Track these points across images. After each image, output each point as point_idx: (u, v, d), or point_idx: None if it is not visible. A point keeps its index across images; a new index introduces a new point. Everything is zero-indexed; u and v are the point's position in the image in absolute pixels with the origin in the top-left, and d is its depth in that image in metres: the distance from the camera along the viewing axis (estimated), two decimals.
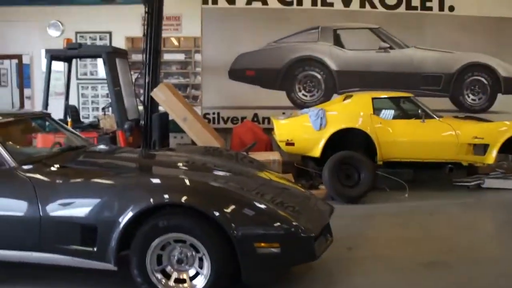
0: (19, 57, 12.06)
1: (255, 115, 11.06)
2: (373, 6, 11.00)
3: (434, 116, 8.61)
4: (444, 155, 8.49)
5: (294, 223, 4.19)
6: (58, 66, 9.83)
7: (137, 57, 10.97)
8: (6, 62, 12.80)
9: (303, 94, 11.04)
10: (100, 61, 10.10)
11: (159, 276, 4.26)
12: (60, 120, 7.91)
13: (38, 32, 11.67)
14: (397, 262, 5.42)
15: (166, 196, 4.22)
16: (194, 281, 4.23)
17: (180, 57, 11.92)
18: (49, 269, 4.60)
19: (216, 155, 6.03)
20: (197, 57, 11.63)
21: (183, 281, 4.26)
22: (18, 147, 5.75)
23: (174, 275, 4.28)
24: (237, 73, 10.99)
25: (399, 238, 6.31)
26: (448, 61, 11.00)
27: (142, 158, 6.07)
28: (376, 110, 8.67)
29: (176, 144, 10.43)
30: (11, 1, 11.51)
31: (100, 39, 11.81)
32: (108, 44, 11.51)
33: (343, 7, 11.02)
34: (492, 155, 8.43)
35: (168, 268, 4.28)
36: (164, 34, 10.00)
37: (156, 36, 9.24)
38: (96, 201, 4.26)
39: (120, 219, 4.13)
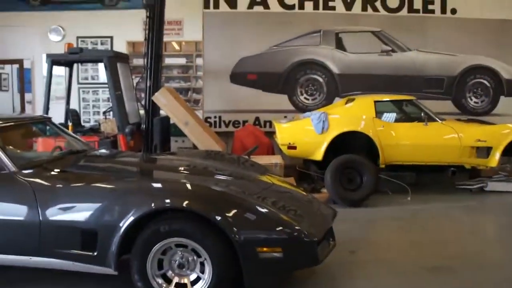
0: (20, 62, 12.07)
1: (257, 118, 11.03)
2: (375, 9, 10.97)
3: (437, 119, 8.58)
4: (447, 158, 8.46)
5: (296, 227, 4.16)
6: (59, 71, 9.80)
7: (138, 61, 11.01)
8: (7, 67, 12.85)
9: (305, 98, 11.01)
10: (101, 66, 10.08)
11: (160, 281, 4.22)
12: (61, 124, 7.88)
13: (39, 37, 11.68)
14: (400, 266, 5.38)
15: (167, 200, 4.18)
16: (195, 286, 4.20)
17: (182, 61, 11.92)
18: (48, 273, 4.58)
19: (218, 159, 6.01)
20: (198, 61, 11.62)
21: (184, 286, 4.23)
22: (18, 151, 5.73)
23: (175, 280, 4.24)
24: (239, 76, 10.96)
25: (402, 242, 6.28)
26: (450, 64, 10.96)
27: (143, 162, 6.06)
28: (379, 113, 8.64)
29: (177, 148, 10.40)
30: (13, 6, 11.53)
31: (101, 43, 11.82)
32: (109, 48, 11.51)
33: (345, 11, 10.99)
34: (495, 158, 8.39)
35: (169, 273, 4.25)
36: (166, 39, 9.97)
37: (157, 40, 9.22)
38: (96, 205, 4.24)
39: (121, 224, 4.10)
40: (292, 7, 10.99)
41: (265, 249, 4.05)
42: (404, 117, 9.05)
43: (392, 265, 5.38)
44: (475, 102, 11.08)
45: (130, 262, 4.22)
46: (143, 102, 9.38)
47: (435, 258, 5.55)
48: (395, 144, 8.38)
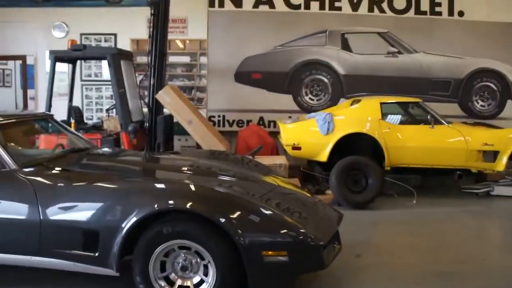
0: (23, 58, 12.02)
1: (261, 118, 10.98)
2: (381, 10, 10.92)
3: (444, 122, 8.50)
4: (453, 161, 8.37)
5: (301, 230, 4.08)
6: (63, 67, 9.75)
7: (142, 59, 10.96)
8: (10, 63, 12.79)
9: (309, 98, 10.95)
10: (104, 63, 10.02)
11: (163, 283, 4.16)
12: (64, 121, 7.83)
13: (43, 33, 11.61)
14: (406, 270, 5.32)
15: (171, 202, 4.11)
16: None
17: (186, 59, 11.86)
18: (49, 273, 4.53)
19: (222, 159, 5.96)
20: (203, 59, 11.57)
21: None
22: (19, 149, 5.67)
23: (178, 282, 4.18)
24: (243, 76, 10.90)
25: (408, 246, 6.20)
26: (457, 67, 10.90)
27: (146, 161, 6.00)
28: (384, 115, 8.57)
29: (180, 147, 10.35)
30: (16, 2, 11.47)
31: (105, 41, 11.75)
32: (113, 46, 11.45)
33: (351, 11, 10.93)
34: (502, 162, 8.32)
35: (172, 275, 4.19)
36: (170, 37, 9.92)
37: (161, 38, 9.18)
38: (98, 205, 4.18)
39: (123, 224, 4.04)
40: (297, 7, 10.94)
41: (270, 252, 3.97)
42: (410, 119, 8.99)
43: (398, 269, 5.32)
44: (481, 106, 11.00)
45: (132, 263, 4.15)
46: (146, 100, 9.34)
47: (441, 263, 5.50)
48: (401, 147, 8.30)
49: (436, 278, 5.07)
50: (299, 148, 8.45)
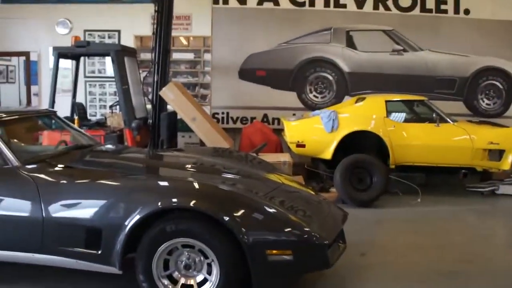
0: (27, 54, 12.05)
1: (265, 115, 10.93)
2: (386, 8, 10.84)
3: (449, 120, 8.45)
4: (458, 160, 8.32)
5: (306, 229, 4.04)
6: (66, 64, 9.73)
7: (145, 55, 10.96)
8: (14, 59, 12.85)
9: (314, 96, 10.90)
10: (108, 59, 10.01)
11: (166, 281, 4.13)
12: (67, 117, 7.81)
13: (46, 29, 11.63)
14: (410, 269, 5.29)
15: (174, 200, 4.08)
16: None
17: (190, 56, 11.86)
18: (50, 270, 4.50)
19: (226, 156, 5.93)
20: (206, 56, 11.56)
21: (191, 287, 4.13)
22: (22, 145, 5.64)
23: (182, 281, 4.15)
24: (248, 73, 10.86)
25: (413, 245, 6.16)
26: (462, 65, 10.81)
27: (149, 159, 5.95)
28: (389, 113, 8.53)
29: (184, 144, 10.33)
30: None
31: (109, 37, 11.76)
32: (116, 42, 11.43)
33: (356, 9, 10.85)
34: (508, 161, 8.25)
35: (175, 274, 4.16)
36: (174, 33, 9.89)
37: (165, 35, 9.17)
38: (101, 202, 4.15)
39: (126, 222, 4.01)
40: (302, 4, 10.88)
41: (274, 251, 3.93)
42: (415, 117, 8.95)
43: (402, 268, 5.29)
44: (487, 104, 10.93)
45: (135, 261, 4.12)
46: (150, 97, 9.32)
47: (445, 262, 5.47)
48: (406, 145, 8.25)
49: (441, 277, 5.04)
50: (303, 146, 8.41)
